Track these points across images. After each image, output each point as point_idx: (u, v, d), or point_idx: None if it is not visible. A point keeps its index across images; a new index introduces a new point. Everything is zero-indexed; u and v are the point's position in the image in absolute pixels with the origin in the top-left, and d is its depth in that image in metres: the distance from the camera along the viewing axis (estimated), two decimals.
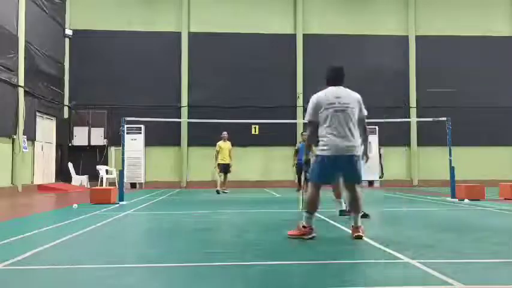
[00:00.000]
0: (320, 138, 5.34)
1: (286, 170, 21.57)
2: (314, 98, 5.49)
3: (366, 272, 3.87)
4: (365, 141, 5.54)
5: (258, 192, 15.94)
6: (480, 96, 22.05)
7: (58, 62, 20.56)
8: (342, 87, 5.53)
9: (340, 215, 7.68)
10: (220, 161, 15.07)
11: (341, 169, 5.37)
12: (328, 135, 5.27)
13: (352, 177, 5.43)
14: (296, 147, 16.24)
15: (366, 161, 5.66)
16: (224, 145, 15.16)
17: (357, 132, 5.36)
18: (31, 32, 17.31)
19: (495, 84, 22.26)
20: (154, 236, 6.14)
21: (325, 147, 5.28)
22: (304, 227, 5.44)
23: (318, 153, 5.36)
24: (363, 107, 5.50)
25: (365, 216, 7.17)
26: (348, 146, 5.25)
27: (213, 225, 7.08)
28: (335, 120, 5.27)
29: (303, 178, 15.68)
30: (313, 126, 5.42)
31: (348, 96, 5.44)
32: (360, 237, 5.26)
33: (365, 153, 5.61)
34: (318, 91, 5.62)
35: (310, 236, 5.36)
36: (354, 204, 5.48)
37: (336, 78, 5.55)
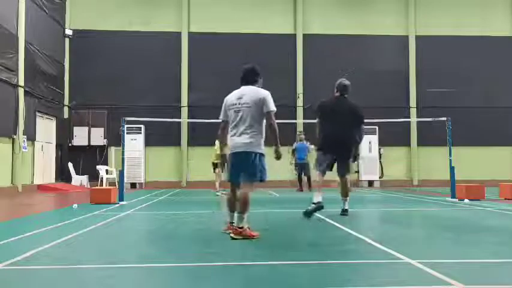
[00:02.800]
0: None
1: (286, 170, 21.57)
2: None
3: (366, 272, 3.87)
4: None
5: (258, 192, 15.91)
6: (480, 96, 22.05)
7: (58, 62, 20.56)
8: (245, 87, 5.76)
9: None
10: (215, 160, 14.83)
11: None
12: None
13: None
14: (294, 147, 16.29)
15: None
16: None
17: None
18: (31, 32, 17.32)
19: (495, 84, 22.26)
20: (154, 236, 6.14)
21: None
22: None
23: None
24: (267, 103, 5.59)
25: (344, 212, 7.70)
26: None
27: (213, 225, 7.07)
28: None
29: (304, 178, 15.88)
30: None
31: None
32: (233, 238, 5.29)
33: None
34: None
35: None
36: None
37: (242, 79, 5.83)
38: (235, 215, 5.47)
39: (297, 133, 16.47)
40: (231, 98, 5.77)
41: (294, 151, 16.11)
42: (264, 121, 5.60)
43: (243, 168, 5.48)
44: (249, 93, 5.63)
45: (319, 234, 6.04)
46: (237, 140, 5.54)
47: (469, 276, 3.61)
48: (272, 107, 5.56)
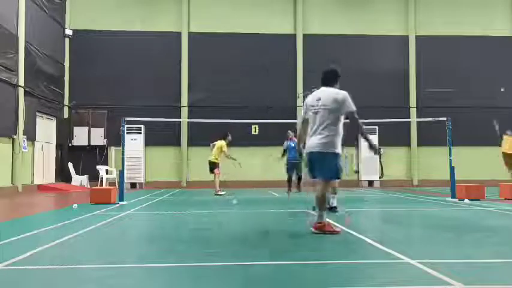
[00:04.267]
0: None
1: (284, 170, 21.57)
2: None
3: (366, 272, 3.86)
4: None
5: (258, 192, 15.92)
6: (480, 96, 22.04)
7: (58, 62, 20.56)
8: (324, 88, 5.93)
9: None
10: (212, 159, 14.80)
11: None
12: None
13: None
14: (285, 147, 15.13)
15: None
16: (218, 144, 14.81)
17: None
18: (31, 32, 17.31)
19: (495, 84, 22.26)
20: (155, 236, 6.14)
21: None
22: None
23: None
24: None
25: (333, 210, 7.97)
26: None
27: (213, 225, 7.07)
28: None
29: (294, 177, 15.08)
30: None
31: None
32: (313, 232, 5.58)
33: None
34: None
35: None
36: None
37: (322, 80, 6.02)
38: (316, 212, 5.74)
39: (288, 132, 15.44)
40: (311, 99, 5.92)
41: (285, 151, 15.05)
42: (341, 122, 5.77)
43: (319, 167, 5.69)
44: (327, 94, 5.79)
45: (319, 234, 6.04)
46: (313, 140, 5.73)
47: (469, 276, 3.61)
48: (352, 107, 5.72)
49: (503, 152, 17.87)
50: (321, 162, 5.66)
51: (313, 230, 5.64)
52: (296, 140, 14.31)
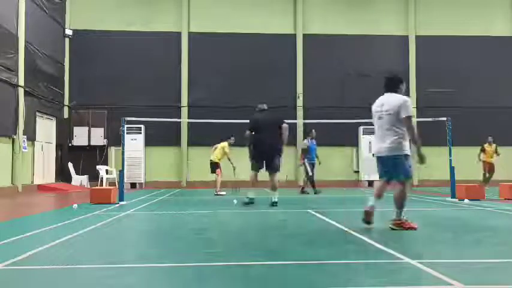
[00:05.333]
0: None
1: (286, 170, 21.56)
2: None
3: (366, 272, 3.86)
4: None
5: (258, 193, 15.88)
6: (480, 96, 22.04)
7: (58, 62, 20.57)
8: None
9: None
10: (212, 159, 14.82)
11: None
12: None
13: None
14: (306, 146, 14.84)
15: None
16: (220, 145, 14.82)
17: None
18: (31, 32, 17.32)
19: (495, 84, 22.26)
20: (155, 236, 6.14)
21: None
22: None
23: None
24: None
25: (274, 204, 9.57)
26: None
27: (213, 225, 7.07)
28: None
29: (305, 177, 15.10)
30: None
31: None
32: (392, 229, 5.99)
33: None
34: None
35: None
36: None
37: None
38: (395, 210, 6.02)
39: (311, 132, 14.81)
40: (376, 105, 6.26)
41: (305, 150, 14.76)
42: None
43: (390, 170, 6.06)
44: (389, 100, 6.09)
45: (319, 234, 6.04)
46: (381, 145, 6.09)
47: (469, 276, 3.61)
48: (408, 112, 5.95)
49: (484, 161, 18.01)
50: (391, 165, 6.02)
51: (392, 226, 5.97)
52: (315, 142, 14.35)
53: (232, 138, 14.73)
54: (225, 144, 14.66)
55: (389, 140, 5.97)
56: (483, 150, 18.22)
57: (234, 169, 14.77)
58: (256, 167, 10.37)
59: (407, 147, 6.02)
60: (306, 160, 14.70)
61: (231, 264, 4.09)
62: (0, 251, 4.77)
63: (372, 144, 6.31)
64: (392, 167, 6.02)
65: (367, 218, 6.08)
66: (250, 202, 10.13)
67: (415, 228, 5.94)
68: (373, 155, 6.63)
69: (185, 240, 5.61)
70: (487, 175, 18.01)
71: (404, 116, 5.92)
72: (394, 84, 6.21)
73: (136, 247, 5.34)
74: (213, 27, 21.78)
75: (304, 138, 16.41)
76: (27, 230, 6.19)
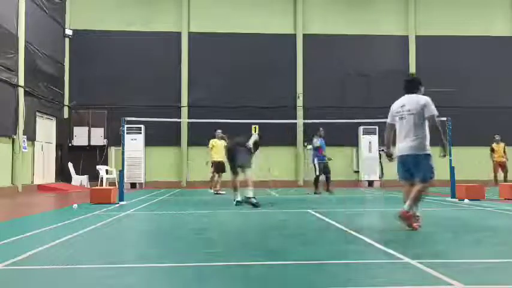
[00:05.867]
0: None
1: (286, 170, 21.58)
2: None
3: (366, 272, 3.86)
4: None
5: (258, 193, 15.89)
6: (480, 96, 22.04)
7: (58, 62, 20.57)
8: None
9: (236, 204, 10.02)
10: (216, 159, 14.82)
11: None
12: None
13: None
14: (318, 144, 14.31)
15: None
16: (218, 143, 14.88)
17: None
18: (31, 32, 17.32)
19: (495, 84, 22.25)
20: (154, 236, 6.14)
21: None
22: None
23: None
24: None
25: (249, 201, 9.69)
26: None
27: (213, 225, 7.08)
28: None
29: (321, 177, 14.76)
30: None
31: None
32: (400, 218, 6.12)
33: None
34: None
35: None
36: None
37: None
38: (407, 202, 6.14)
39: (320, 129, 14.41)
40: (396, 105, 6.42)
41: (317, 148, 14.29)
42: (426, 124, 6.16)
43: (413, 169, 6.17)
44: (410, 101, 6.26)
45: (319, 234, 6.04)
46: (404, 144, 6.21)
47: (469, 276, 3.61)
48: (431, 111, 6.12)
49: (495, 161, 18.00)
50: (415, 164, 6.13)
51: (400, 215, 6.06)
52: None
53: (218, 131, 14.88)
54: (216, 140, 14.83)
55: (412, 140, 6.11)
56: (492, 150, 18.22)
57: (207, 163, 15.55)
58: (233, 171, 10.66)
59: (429, 147, 6.15)
60: (316, 159, 14.37)
61: (231, 264, 4.09)
62: (0, 251, 4.77)
63: (397, 144, 6.34)
64: (415, 166, 6.14)
65: (407, 222, 6.06)
66: (239, 203, 10.22)
67: (415, 229, 5.96)
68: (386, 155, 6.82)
69: (185, 240, 5.62)
70: (501, 174, 17.96)
71: (428, 115, 6.08)
72: (414, 86, 6.42)
73: (136, 247, 5.34)
74: (213, 27, 21.77)
75: (307, 139, 16.12)
76: (27, 230, 6.19)
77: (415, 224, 6.03)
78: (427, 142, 6.15)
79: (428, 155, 6.13)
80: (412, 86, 6.44)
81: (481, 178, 18.17)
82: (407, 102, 6.26)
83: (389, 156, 6.79)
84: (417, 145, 6.10)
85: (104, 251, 4.94)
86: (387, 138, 6.69)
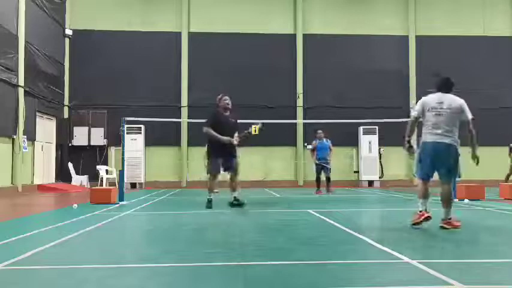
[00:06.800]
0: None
1: (286, 170, 21.58)
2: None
3: (366, 272, 3.86)
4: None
5: (258, 193, 15.92)
6: (480, 96, 21.99)
7: (58, 62, 20.56)
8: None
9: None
10: None
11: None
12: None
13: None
14: (312, 147, 14.74)
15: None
16: None
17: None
18: (31, 32, 17.31)
19: (495, 84, 22.24)
20: (154, 236, 6.14)
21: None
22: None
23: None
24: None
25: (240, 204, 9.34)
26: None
27: (213, 225, 7.07)
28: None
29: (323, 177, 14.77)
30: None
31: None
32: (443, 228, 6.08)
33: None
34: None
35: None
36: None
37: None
38: (443, 210, 6.15)
39: (317, 132, 14.64)
40: (431, 101, 6.35)
41: (313, 151, 14.68)
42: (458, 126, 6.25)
43: (438, 160, 6.14)
44: (449, 99, 6.31)
45: (319, 234, 6.04)
46: (436, 135, 6.17)
47: (469, 276, 3.61)
48: (470, 115, 6.31)
49: None
50: (445, 153, 6.10)
51: (443, 225, 6.06)
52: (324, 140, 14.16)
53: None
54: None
55: (447, 137, 6.12)
56: (511, 150, 18.45)
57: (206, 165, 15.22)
58: (215, 169, 9.88)
59: (459, 148, 6.18)
60: (318, 161, 14.44)
61: (231, 264, 4.09)
62: (0, 251, 4.77)
63: (426, 137, 6.25)
64: (444, 155, 6.09)
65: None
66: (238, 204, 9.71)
67: (459, 227, 6.03)
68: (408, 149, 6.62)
69: (185, 240, 5.62)
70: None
71: (467, 118, 6.23)
72: (450, 85, 6.46)
73: (137, 247, 5.34)
74: (213, 27, 21.77)
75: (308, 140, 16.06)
76: (27, 230, 6.19)
77: (457, 224, 6.07)
78: (458, 142, 6.21)
79: (459, 154, 6.17)
80: (449, 84, 6.47)
81: (481, 178, 18.15)
82: (446, 100, 6.28)
83: (410, 147, 6.63)
84: (454, 143, 6.15)
85: (104, 251, 4.94)
86: (411, 131, 6.59)
